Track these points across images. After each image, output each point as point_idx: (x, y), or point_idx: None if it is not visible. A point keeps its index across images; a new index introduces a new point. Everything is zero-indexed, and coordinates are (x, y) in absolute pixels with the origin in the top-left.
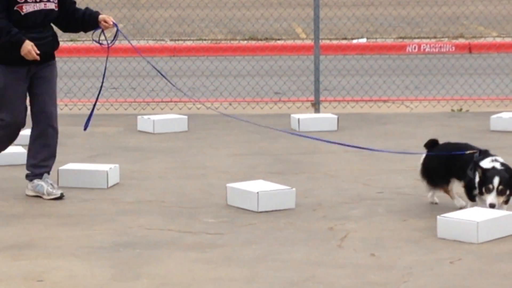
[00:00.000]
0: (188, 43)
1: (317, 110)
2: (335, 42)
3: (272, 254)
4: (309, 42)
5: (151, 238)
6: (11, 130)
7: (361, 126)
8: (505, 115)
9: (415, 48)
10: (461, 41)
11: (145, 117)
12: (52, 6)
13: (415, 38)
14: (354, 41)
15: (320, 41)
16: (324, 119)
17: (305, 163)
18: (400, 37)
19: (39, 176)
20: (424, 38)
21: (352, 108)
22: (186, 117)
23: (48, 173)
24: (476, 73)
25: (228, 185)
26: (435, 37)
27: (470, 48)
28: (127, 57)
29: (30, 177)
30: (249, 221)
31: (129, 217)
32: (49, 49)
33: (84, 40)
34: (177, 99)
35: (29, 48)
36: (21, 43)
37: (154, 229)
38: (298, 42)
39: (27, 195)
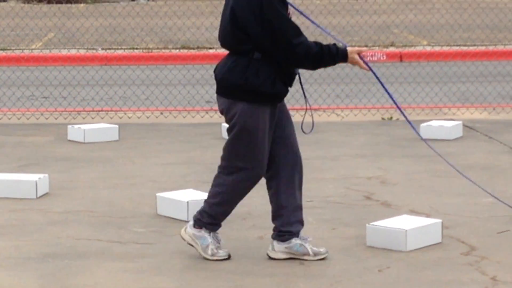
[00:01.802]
0: (120, 52)
1: None
2: None
3: (201, 264)
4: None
5: (80, 249)
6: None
7: None
8: (434, 123)
9: None
10: (392, 49)
11: (76, 126)
12: None
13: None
14: None
15: None
16: None
17: None
18: None
19: None
20: (355, 46)
21: None
22: (117, 126)
23: None
24: (406, 82)
25: (158, 194)
26: (366, 46)
27: (401, 57)
28: (58, 66)
29: None
30: (179, 231)
31: (58, 227)
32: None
33: (14, 49)
34: (108, 108)
35: (357, 59)
36: (346, 55)
37: (83, 239)
38: None
39: None
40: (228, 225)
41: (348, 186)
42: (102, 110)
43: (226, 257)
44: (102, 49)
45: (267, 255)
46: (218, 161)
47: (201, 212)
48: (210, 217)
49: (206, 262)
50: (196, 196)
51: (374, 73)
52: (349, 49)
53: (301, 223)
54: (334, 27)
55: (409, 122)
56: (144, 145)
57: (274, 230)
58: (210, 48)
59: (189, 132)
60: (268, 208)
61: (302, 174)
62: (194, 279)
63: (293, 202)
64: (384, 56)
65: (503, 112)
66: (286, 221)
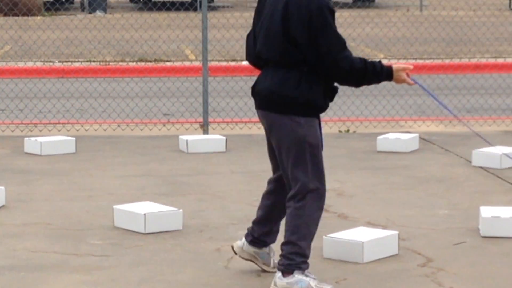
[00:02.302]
0: (77, 64)
1: (205, 132)
2: (223, 63)
3: (159, 276)
4: (198, 63)
5: (36, 261)
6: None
7: (250, 147)
8: (391, 135)
9: None
10: None
11: (32, 139)
12: None
13: None
14: (243, 63)
15: (208, 62)
16: (212, 140)
17: (192, 184)
18: None
19: None
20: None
21: (241, 129)
22: (73, 139)
23: None
24: (363, 95)
25: (115, 206)
26: None
27: None
28: (14, 79)
29: None
30: (136, 243)
31: (15, 239)
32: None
33: None
34: (65, 121)
35: (403, 78)
36: (391, 73)
37: (39, 251)
38: (187, 63)
39: None
40: (184, 237)
41: None
42: (59, 123)
43: None
44: (59, 61)
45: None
46: (175, 174)
47: (287, 257)
48: (302, 256)
49: (163, 274)
50: (153, 209)
51: (424, 88)
52: (394, 66)
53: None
54: None
55: (477, 133)
56: (101, 158)
57: (249, 234)
58: (167, 61)
59: (146, 144)
60: (225, 221)
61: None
62: None
63: (278, 223)
64: None
65: (459, 125)
66: (266, 231)
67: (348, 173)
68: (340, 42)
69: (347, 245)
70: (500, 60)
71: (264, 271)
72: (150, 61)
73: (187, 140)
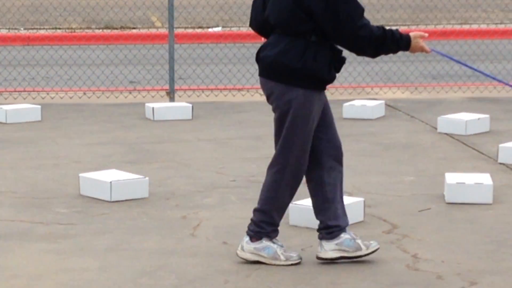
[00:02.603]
0: (42, 32)
1: (171, 99)
2: (190, 31)
3: (125, 244)
4: (164, 30)
5: (2, 230)
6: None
7: (216, 115)
8: (357, 102)
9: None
10: None
11: None
12: None
13: None
14: (209, 30)
15: (174, 30)
16: (178, 108)
17: (158, 152)
18: None
19: None
20: None
21: (207, 96)
22: (39, 106)
23: None
24: None
25: (81, 175)
26: None
27: None
28: None
29: None
30: (102, 211)
31: None
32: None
33: None
34: (30, 89)
35: (421, 44)
36: (410, 40)
37: (4, 220)
38: (153, 30)
39: None
40: (151, 205)
41: None
42: (24, 91)
43: (299, 260)
44: (24, 29)
45: (318, 257)
46: (141, 142)
47: (257, 224)
48: (271, 225)
49: (129, 242)
50: (119, 176)
51: (444, 54)
52: (411, 34)
53: (346, 216)
54: None
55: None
56: (67, 126)
57: (320, 227)
58: (134, 28)
59: (112, 112)
60: (191, 188)
61: (342, 166)
62: (117, 259)
63: (338, 194)
64: None
65: (425, 92)
66: (333, 215)
67: None
68: (359, 10)
69: (312, 212)
70: (466, 27)
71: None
72: (116, 28)
73: (153, 108)
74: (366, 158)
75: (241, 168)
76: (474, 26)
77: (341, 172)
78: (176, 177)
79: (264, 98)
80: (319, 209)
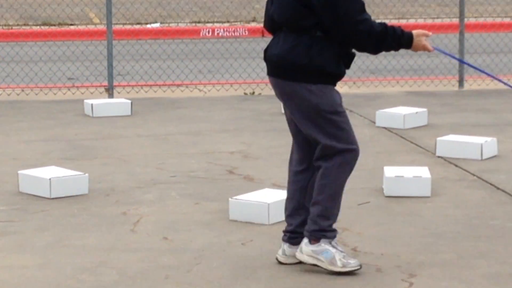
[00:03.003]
0: None
1: (110, 95)
2: (128, 27)
3: (64, 240)
4: (102, 27)
5: None
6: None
7: (155, 111)
8: None
9: (208, 32)
10: (254, 25)
11: None
12: None
13: (208, 22)
14: (148, 26)
15: (113, 26)
16: (117, 104)
17: (98, 148)
18: (194, 22)
19: None
20: (217, 22)
21: (146, 92)
22: None
23: None
24: None
25: (20, 171)
26: (228, 21)
27: (263, 32)
28: None
29: None
30: (42, 208)
31: None
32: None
33: None
34: None
35: (424, 43)
36: (412, 38)
37: None
38: (91, 27)
39: None
40: (90, 201)
41: (211, 161)
42: None
43: (359, 267)
44: None
45: (295, 255)
46: (80, 138)
47: (314, 220)
48: (326, 219)
49: (69, 239)
50: (59, 173)
51: (446, 53)
52: (414, 32)
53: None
54: (196, 2)
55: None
56: (5, 123)
57: (286, 234)
58: (71, 25)
59: (51, 109)
60: (131, 184)
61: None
62: (57, 256)
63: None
64: (246, 32)
65: (363, 86)
66: (301, 222)
67: (254, 135)
68: (359, 4)
69: (252, 206)
70: (403, 21)
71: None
72: (54, 25)
73: (92, 104)
74: None
75: (181, 163)
76: (411, 21)
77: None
78: (116, 173)
79: (203, 94)
80: (293, 213)
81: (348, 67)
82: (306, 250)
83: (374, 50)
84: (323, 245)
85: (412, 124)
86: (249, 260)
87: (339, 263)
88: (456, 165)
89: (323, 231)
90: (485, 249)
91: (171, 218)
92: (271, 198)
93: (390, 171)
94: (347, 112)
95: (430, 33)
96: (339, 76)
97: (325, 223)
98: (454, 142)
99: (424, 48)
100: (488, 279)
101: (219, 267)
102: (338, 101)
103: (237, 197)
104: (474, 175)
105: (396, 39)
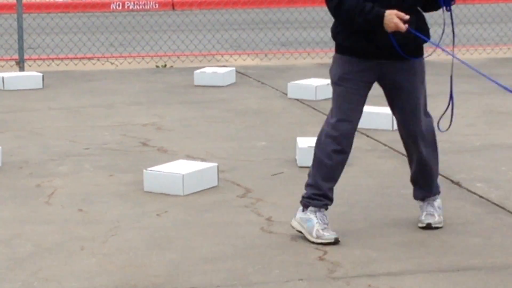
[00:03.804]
0: None
1: (21, 69)
2: (38, 0)
3: None
4: (12, 0)
5: None
6: (341, 139)
7: (67, 84)
8: (208, 70)
9: (119, 5)
10: None
11: None
12: None
13: None
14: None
15: None
16: (28, 77)
17: (10, 121)
18: None
19: None
20: None
21: (58, 66)
22: None
23: None
24: (179, 30)
25: None
26: None
27: (173, 5)
28: None
29: None
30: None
31: None
32: (408, 41)
33: None
34: None
35: (395, 21)
36: (381, 16)
37: None
38: (1, 0)
39: None
40: (4, 174)
41: (124, 133)
42: None
43: (332, 240)
44: None
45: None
46: None
47: (304, 188)
48: (312, 188)
49: None
50: None
51: (419, 35)
52: (387, 11)
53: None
54: None
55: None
56: None
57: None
58: None
59: None
60: (44, 157)
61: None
62: None
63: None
64: (157, 5)
65: (274, 58)
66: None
67: (167, 108)
68: None
69: (167, 178)
70: None
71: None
72: None
73: (2, 77)
74: (218, 124)
75: (94, 136)
76: None
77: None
78: (29, 146)
79: (114, 67)
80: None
81: (372, 40)
82: (297, 217)
83: (348, 24)
84: (309, 214)
85: (324, 95)
86: (164, 230)
87: (314, 234)
88: (367, 136)
89: (309, 199)
90: (396, 217)
91: (85, 190)
92: (185, 169)
93: (302, 142)
94: (259, 84)
95: (407, 16)
96: (350, 48)
97: (311, 191)
98: (366, 113)
99: (396, 27)
100: (400, 246)
101: (134, 238)
102: (339, 73)
103: (151, 168)
104: (385, 145)
105: (363, 14)
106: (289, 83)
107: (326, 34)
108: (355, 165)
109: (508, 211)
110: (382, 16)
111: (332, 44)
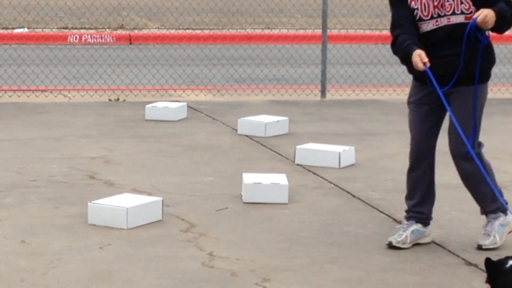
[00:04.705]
0: None
1: None
2: None
3: None
4: None
5: None
6: (411, 158)
7: (18, 115)
8: (159, 104)
9: (76, 38)
10: (122, 32)
11: None
12: (459, 19)
13: (76, 28)
14: (15, 31)
15: None
16: None
17: None
18: (62, 28)
19: None
20: (85, 29)
21: (10, 97)
22: None
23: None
24: (133, 64)
25: None
26: (96, 28)
27: (130, 39)
28: None
29: None
30: None
31: None
32: (451, 69)
33: None
34: None
35: (415, 60)
36: (409, 54)
37: None
38: None
39: None
40: None
41: (72, 165)
42: None
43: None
44: None
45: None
46: None
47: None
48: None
49: None
50: None
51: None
52: (414, 52)
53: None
54: (63, 8)
55: None
56: None
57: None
58: None
59: None
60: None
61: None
62: None
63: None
64: (114, 39)
65: (227, 94)
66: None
67: (116, 141)
68: (392, 20)
69: (111, 211)
70: (267, 31)
71: None
72: None
73: None
74: (166, 158)
75: (42, 168)
76: (275, 31)
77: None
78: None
79: (67, 99)
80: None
81: (435, 70)
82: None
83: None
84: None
85: (273, 132)
86: (106, 263)
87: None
88: (314, 173)
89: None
90: (337, 255)
91: (30, 222)
92: (130, 203)
93: (248, 178)
94: (210, 119)
95: (426, 59)
96: (415, 76)
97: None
98: (313, 150)
99: (416, 66)
100: (339, 283)
101: (75, 271)
102: (409, 94)
103: (96, 201)
104: (331, 183)
105: (400, 51)
106: (239, 119)
107: (278, 71)
108: (300, 202)
109: (448, 250)
110: (410, 55)
111: (285, 82)
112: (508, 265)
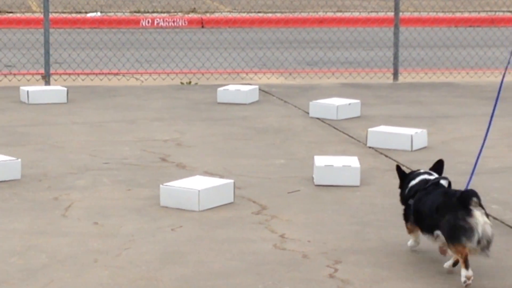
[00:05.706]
0: None
1: (47, 83)
2: (66, 15)
3: None
4: (40, 15)
5: None
6: None
7: (91, 99)
8: (231, 87)
9: (148, 22)
10: (193, 16)
11: None
12: None
13: (148, 12)
14: (88, 15)
15: (50, 14)
16: (53, 92)
17: (32, 134)
18: (134, 12)
19: None
20: (157, 12)
21: (83, 81)
22: None
23: None
24: (205, 47)
25: None
26: (168, 12)
27: (202, 23)
28: None
29: None
30: None
31: None
32: None
33: None
34: None
35: None
36: None
37: None
38: (29, 15)
39: None
40: (23, 186)
41: (144, 148)
42: None
43: None
44: None
45: None
46: (14, 124)
47: None
48: None
49: (0, 223)
50: None
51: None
52: None
53: None
54: None
55: None
56: None
57: None
58: (10, 12)
59: None
60: (64, 170)
61: None
62: None
63: None
64: (186, 22)
65: (299, 77)
66: None
67: (188, 124)
68: None
69: (183, 193)
70: (339, 14)
71: None
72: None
73: (27, 91)
74: (238, 141)
75: (114, 150)
76: (347, 14)
77: None
78: (49, 159)
79: (139, 83)
80: None
81: None
82: None
83: None
84: None
85: (345, 115)
86: (178, 245)
87: None
88: (386, 156)
89: None
90: (409, 237)
91: (102, 204)
92: (202, 185)
93: (320, 161)
94: (282, 102)
95: None
96: None
97: None
98: (385, 133)
99: None
100: (411, 265)
101: (148, 252)
102: None
103: (168, 183)
104: (403, 165)
105: None
106: (311, 102)
107: (350, 54)
108: (372, 184)
109: None
110: None
111: (357, 65)
112: None
